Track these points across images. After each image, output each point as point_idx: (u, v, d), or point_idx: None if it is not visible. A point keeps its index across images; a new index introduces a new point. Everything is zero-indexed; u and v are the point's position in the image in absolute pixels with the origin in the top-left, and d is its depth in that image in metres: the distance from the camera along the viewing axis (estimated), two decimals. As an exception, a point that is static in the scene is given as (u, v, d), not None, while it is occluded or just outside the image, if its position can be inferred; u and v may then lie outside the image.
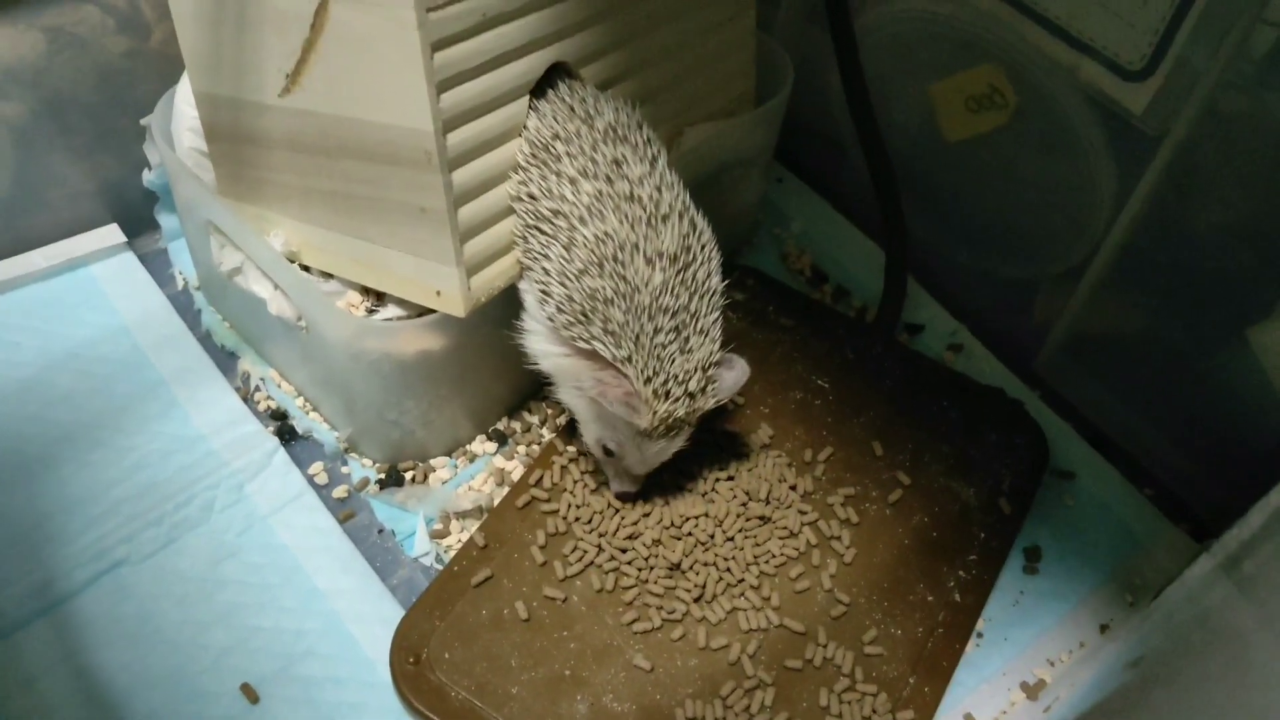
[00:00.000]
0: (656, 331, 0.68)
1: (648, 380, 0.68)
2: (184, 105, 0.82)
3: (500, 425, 0.86)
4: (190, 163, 0.82)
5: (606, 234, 0.68)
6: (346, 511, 0.81)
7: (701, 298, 0.70)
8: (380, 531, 0.80)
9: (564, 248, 0.69)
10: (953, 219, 0.98)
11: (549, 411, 0.87)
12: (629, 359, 0.68)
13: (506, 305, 0.74)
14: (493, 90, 0.68)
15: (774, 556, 0.78)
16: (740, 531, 0.78)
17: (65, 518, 0.77)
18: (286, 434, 0.85)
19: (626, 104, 0.74)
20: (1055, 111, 0.83)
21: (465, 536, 0.79)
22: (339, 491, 0.82)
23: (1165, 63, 0.74)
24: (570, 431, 0.83)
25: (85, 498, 0.78)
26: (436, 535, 0.79)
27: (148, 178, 0.93)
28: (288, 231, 0.78)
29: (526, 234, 0.71)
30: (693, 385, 0.70)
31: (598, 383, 0.69)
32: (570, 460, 0.82)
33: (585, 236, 0.68)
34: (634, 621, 0.74)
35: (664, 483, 0.80)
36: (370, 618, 0.75)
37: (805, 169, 1.10)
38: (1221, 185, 0.76)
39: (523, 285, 0.73)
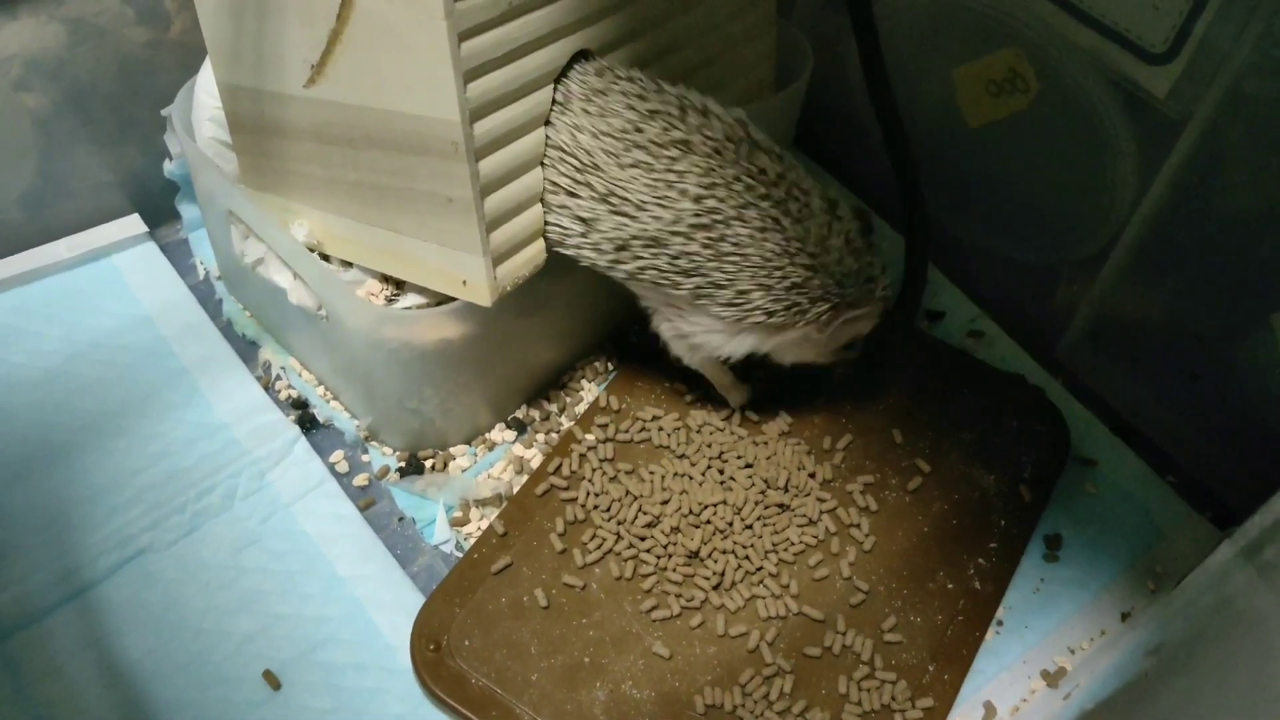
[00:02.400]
0: (839, 262, 0.72)
1: (848, 296, 0.73)
2: (204, 95, 0.82)
3: (519, 413, 0.86)
4: (211, 153, 0.83)
5: (763, 230, 0.70)
6: (367, 499, 0.81)
7: (821, 212, 0.73)
8: (401, 519, 0.81)
9: (743, 256, 0.70)
10: (974, 205, 0.98)
11: (567, 400, 0.87)
12: (839, 303, 0.73)
13: (526, 294, 0.74)
14: (519, 79, 0.68)
15: (793, 544, 0.78)
16: (759, 519, 0.78)
17: (89, 506, 0.78)
18: (307, 422, 0.85)
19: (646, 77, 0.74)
20: (1077, 96, 0.82)
21: (485, 524, 0.79)
22: (360, 479, 0.83)
23: (1189, 45, 0.73)
24: (588, 420, 0.83)
25: (109, 486, 0.79)
26: (456, 523, 0.80)
27: (169, 168, 0.94)
28: (312, 222, 0.78)
29: (698, 270, 0.72)
30: (875, 270, 0.75)
31: (843, 325, 0.74)
32: (589, 448, 0.82)
33: (758, 240, 0.70)
34: (653, 609, 0.74)
35: (683, 471, 0.80)
36: (391, 605, 0.75)
37: (825, 155, 1.09)
38: (1246, 169, 0.76)
39: (695, 322, 0.76)
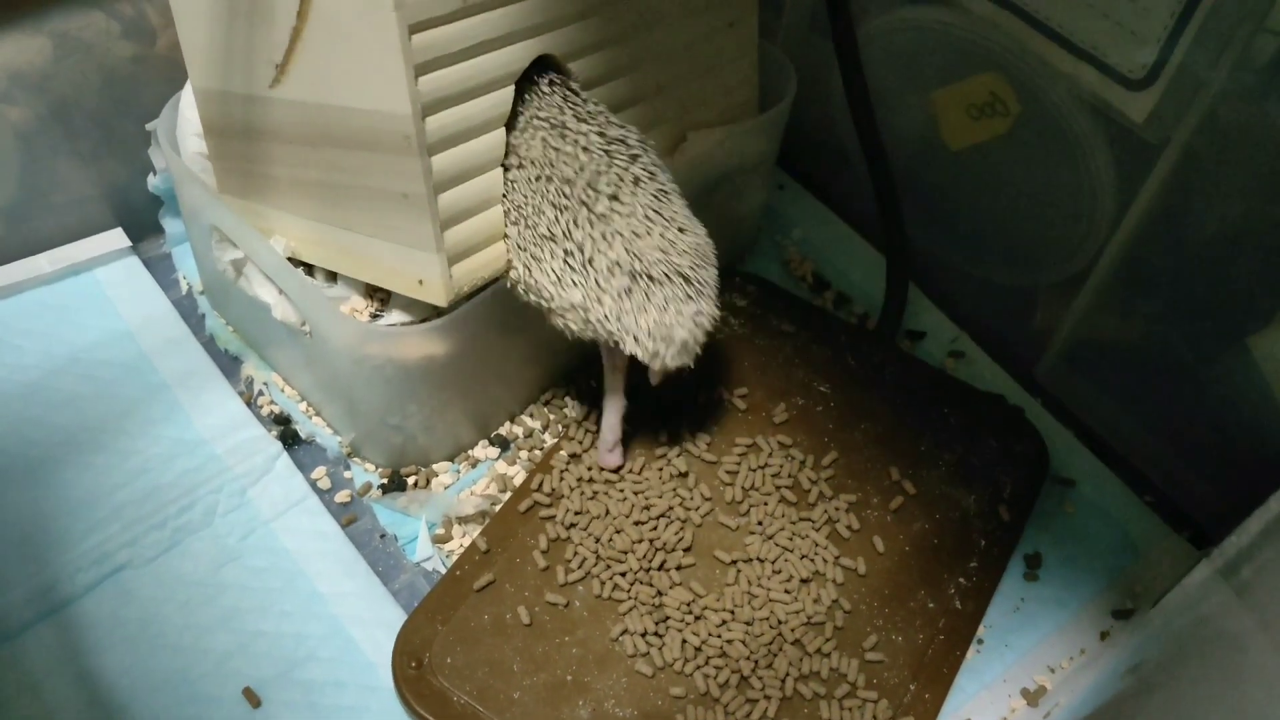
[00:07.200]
0: None
1: None
2: (189, 110, 0.82)
3: (502, 430, 0.86)
4: (195, 167, 0.83)
5: None
6: (349, 516, 0.81)
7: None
8: (382, 536, 0.81)
9: None
10: (954, 226, 0.99)
11: (551, 417, 0.87)
12: None
13: (509, 310, 0.75)
14: (474, 77, 0.68)
15: (775, 563, 0.78)
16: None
17: (68, 521, 0.77)
18: (289, 438, 0.85)
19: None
20: (1056, 120, 0.83)
21: (467, 541, 0.79)
22: (341, 496, 0.82)
23: (1167, 72, 0.74)
24: (570, 437, 0.83)
25: (88, 501, 0.78)
26: (439, 540, 0.80)
27: (152, 182, 0.93)
28: (282, 225, 0.78)
29: None
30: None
31: None
32: (569, 463, 0.82)
33: None
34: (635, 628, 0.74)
35: (666, 490, 0.81)
36: (372, 622, 0.75)
37: (807, 176, 1.10)
38: (1222, 194, 0.77)
39: None
